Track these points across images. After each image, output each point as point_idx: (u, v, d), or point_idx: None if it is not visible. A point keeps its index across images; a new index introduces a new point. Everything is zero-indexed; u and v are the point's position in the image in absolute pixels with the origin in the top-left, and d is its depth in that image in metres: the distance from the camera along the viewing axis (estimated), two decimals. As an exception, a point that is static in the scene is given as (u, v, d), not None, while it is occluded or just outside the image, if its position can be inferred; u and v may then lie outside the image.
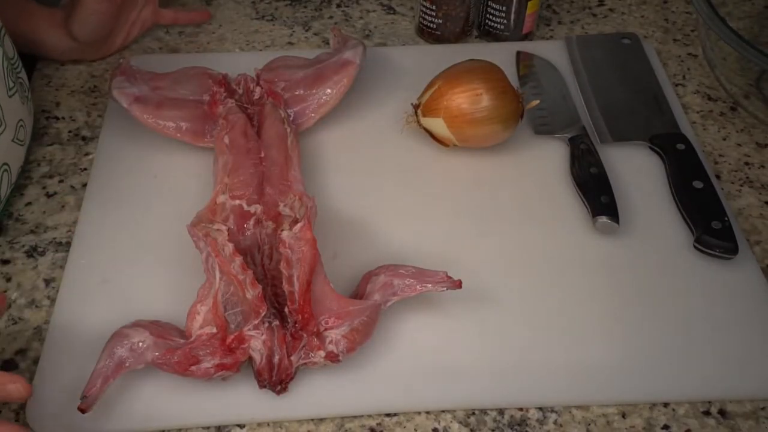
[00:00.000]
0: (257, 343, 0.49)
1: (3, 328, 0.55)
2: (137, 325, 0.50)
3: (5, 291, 0.57)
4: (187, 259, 0.56)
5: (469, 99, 0.61)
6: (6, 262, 0.59)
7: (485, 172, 0.64)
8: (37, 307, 0.56)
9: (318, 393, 0.50)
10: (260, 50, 0.77)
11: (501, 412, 0.51)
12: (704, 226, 0.58)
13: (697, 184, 0.61)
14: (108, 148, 0.66)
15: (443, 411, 0.51)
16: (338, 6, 0.83)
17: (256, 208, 0.56)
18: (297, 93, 0.66)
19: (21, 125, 0.61)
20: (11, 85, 0.60)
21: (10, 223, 0.62)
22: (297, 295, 0.50)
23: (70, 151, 0.67)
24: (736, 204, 0.64)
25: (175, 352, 0.48)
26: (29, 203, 0.63)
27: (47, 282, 0.58)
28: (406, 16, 0.81)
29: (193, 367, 0.48)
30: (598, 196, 0.60)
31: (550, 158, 0.65)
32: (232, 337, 0.49)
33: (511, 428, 0.50)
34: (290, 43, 0.78)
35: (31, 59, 0.73)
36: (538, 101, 0.66)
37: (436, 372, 0.52)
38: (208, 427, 0.50)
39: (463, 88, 0.61)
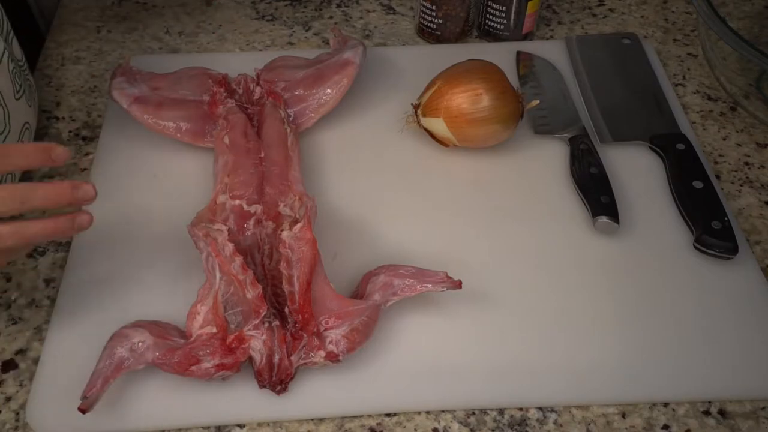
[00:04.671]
0: (257, 343, 0.49)
1: (3, 328, 0.55)
2: (137, 325, 0.50)
3: (5, 291, 0.57)
4: (187, 259, 0.56)
5: (469, 99, 0.61)
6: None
7: (485, 172, 0.64)
8: (37, 307, 0.56)
9: (318, 393, 0.50)
10: (260, 50, 0.77)
11: (501, 412, 0.51)
12: (704, 226, 0.58)
13: (697, 184, 0.61)
14: (108, 148, 0.66)
15: (443, 411, 0.51)
16: (338, 6, 0.83)
17: (256, 208, 0.56)
18: (297, 93, 0.66)
19: (27, 128, 0.62)
20: (18, 87, 0.60)
21: (10, 223, 0.62)
22: (297, 295, 0.50)
23: (70, 151, 0.67)
24: (736, 204, 0.64)
25: (176, 352, 0.48)
26: (29, 203, 0.63)
27: (47, 282, 0.58)
28: (406, 16, 0.81)
29: (193, 367, 0.48)
30: (598, 196, 0.60)
31: (550, 158, 0.65)
32: (232, 337, 0.49)
33: (511, 428, 0.50)
34: (290, 43, 0.78)
35: (32, 59, 0.73)
36: (538, 101, 0.66)
37: (436, 372, 0.52)
38: (208, 427, 0.50)
39: (463, 88, 0.61)
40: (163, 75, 0.67)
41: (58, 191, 0.46)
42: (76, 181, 0.47)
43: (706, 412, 0.51)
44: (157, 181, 0.63)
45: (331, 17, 0.81)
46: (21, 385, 0.52)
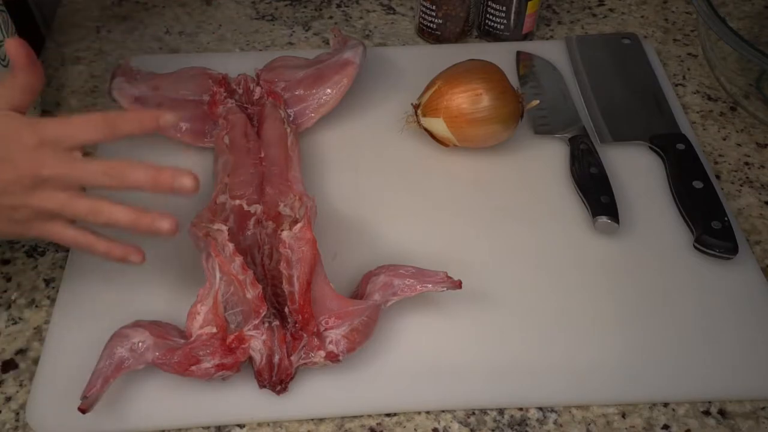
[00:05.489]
0: (257, 343, 0.49)
1: (3, 328, 0.55)
2: (137, 325, 0.50)
3: (5, 291, 0.57)
4: (187, 259, 0.56)
5: (469, 99, 0.61)
6: (6, 262, 0.59)
7: (485, 172, 0.64)
8: (37, 307, 0.56)
9: (318, 393, 0.50)
10: (260, 50, 0.77)
11: (501, 412, 0.51)
12: (704, 226, 0.58)
13: (697, 184, 0.61)
14: (108, 149, 0.66)
15: (443, 411, 0.51)
16: (338, 6, 0.83)
17: (256, 208, 0.56)
18: (297, 93, 0.66)
19: None
20: None
21: (10, 223, 0.62)
22: (297, 295, 0.50)
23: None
24: (736, 204, 0.64)
25: (176, 352, 0.48)
26: (29, 203, 0.63)
27: (47, 282, 0.58)
28: (406, 16, 0.81)
29: (193, 367, 0.48)
30: (598, 196, 0.60)
31: (550, 158, 0.65)
32: (232, 337, 0.49)
33: (511, 428, 0.50)
34: (290, 43, 0.78)
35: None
36: (538, 101, 0.66)
37: (436, 372, 0.52)
38: (208, 427, 0.50)
39: (463, 88, 0.61)
40: (163, 75, 0.67)
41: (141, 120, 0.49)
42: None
43: (706, 412, 0.51)
44: (157, 181, 0.63)
45: (331, 17, 0.81)
46: (21, 385, 0.52)
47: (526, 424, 0.50)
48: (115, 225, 0.47)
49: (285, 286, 0.51)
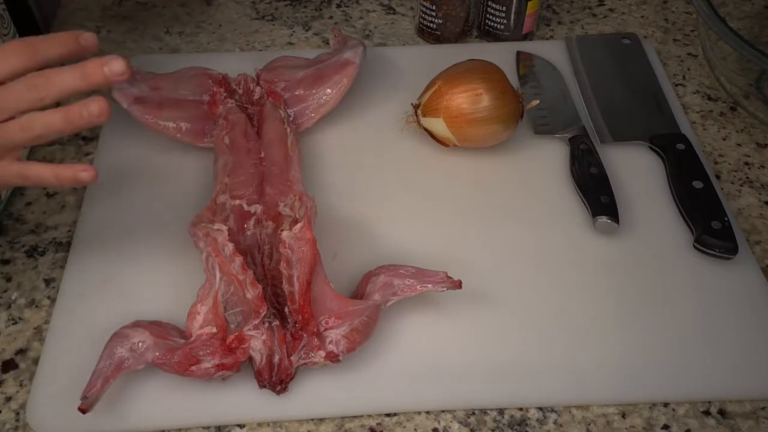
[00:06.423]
0: (257, 343, 0.49)
1: (3, 328, 0.55)
2: (137, 325, 0.50)
3: (5, 291, 0.57)
4: (187, 259, 0.56)
5: (469, 99, 0.61)
6: (6, 262, 0.59)
7: (485, 172, 0.64)
8: (37, 307, 0.56)
9: (318, 393, 0.50)
10: (260, 50, 0.77)
11: (501, 412, 0.51)
12: (704, 226, 0.58)
13: (697, 184, 0.61)
14: (108, 148, 0.66)
15: (443, 411, 0.51)
16: (338, 6, 0.83)
17: (256, 208, 0.56)
18: (297, 93, 0.66)
19: None
20: None
21: (10, 223, 0.62)
22: (297, 295, 0.50)
23: (70, 151, 0.67)
24: (736, 204, 0.64)
25: (176, 352, 0.48)
26: (29, 203, 0.63)
27: (47, 282, 0.58)
28: (406, 16, 0.81)
29: (194, 367, 0.48)
30: (598, 196, 0.60)
31: (550, 158, 0.65)
32: (232, 337, 0.49)
33: (511, 428, 0.50)
34: (290, 43, 0.78)
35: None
36: (538, 101, 0.66)
37: (436, 372, 0.52)
38: (208, 427, 0.50)
39: (463, 88, 0.61)
40: (163, 75, 0.67)
41: (62, 40, 0.46)
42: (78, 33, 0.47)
43: (706, 412, 0.51)
44: (157, 181, 0.63)
45: (331, 17, 0.81)
46: (21, 385, 0.52)
47: (526, 424, 0.50)
48: (52, 128, 0.46)
49: (285, 286, 0.51)
